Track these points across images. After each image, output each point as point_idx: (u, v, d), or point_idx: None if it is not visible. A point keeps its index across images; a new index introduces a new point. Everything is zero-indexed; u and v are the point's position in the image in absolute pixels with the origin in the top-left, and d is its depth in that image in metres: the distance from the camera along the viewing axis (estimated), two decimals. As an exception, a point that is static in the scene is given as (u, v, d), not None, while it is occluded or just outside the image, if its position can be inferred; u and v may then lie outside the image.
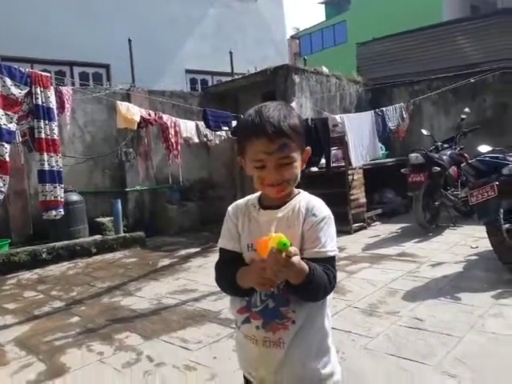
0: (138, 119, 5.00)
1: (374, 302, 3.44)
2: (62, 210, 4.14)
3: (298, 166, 1.16)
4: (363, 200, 6.59)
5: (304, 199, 1.20)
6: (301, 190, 1.25)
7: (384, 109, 7.02)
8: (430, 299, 3.42)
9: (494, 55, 9.18)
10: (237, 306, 1.23)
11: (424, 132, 6.59)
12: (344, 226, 6.07)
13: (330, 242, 1.15)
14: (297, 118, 1.17)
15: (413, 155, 5.70)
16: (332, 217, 1.19)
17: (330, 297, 1.22)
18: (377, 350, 2.64)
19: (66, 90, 4.99)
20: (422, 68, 9.77)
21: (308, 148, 1.21)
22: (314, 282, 1.07)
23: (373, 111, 6.84)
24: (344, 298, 3.61)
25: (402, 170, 5.78)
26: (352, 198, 6.30)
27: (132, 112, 4.91)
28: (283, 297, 1.15)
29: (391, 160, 7.49)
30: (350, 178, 6.31)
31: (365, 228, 6.47)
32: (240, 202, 1.30)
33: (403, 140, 7.68)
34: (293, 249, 1.01)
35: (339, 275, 4.32)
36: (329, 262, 1.13)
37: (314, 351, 1.17)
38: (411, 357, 2.52)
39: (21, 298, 4.38)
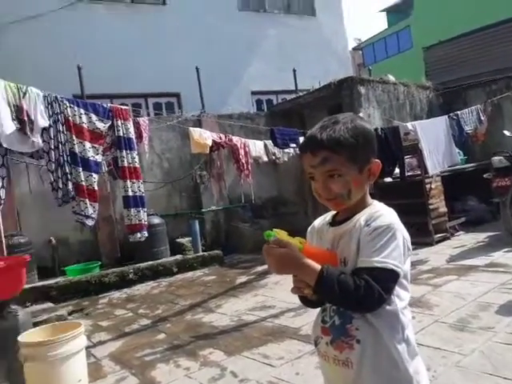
0: (210, 143, 5.23)
1: (465, 317, 3.23)
2: (146, 232, 4.42)
3: (350, 181, 1.13)
4: (444, 209, 6.25)
5: (370, 211, 1.15)
6: (375, 202, 1.21)
7: (459, 112, 6.67)
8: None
9: None
10: (315, 323, 1.24)
11: (507, 133, 6.16)
12: (425, 238, 5.79)
13: (381, 253, 1.05)
14: (349, 132, 1.12)
15: (496, 158, 5.35)
16: (393, 227, 1.08)
17: (408, 318, 1.13)
18: (471, 369, 2.47)
19: (143, 121, 5.35)
20: (497, 66, 9.15)
21: (376, 160, 1.17)
22: (326, 285, 1.03)
23: (446, 116, 6.53)
24: (430, 313, 3.43)
25: (485, 175, 5.44)
26: (431, 207, 6.01)
27: (204, 137, 5.15)
28: (348, 313, 1.12)
29: (471, 165, 7.06)
30: (428, 186, 6.04)
31: (448, 238, 6.11)
32: (318, 220, 1.31)
33: (483, 143, 7.22)
34: (277, 239, 1.06)
35: (422, 289, 4.12)
36: (372, 273, 1.03)
37: (388, 378, 1.09)
38: (511, 376, 2.33)
39: (112, 316, 4.70)
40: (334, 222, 1.22)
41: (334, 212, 1.25)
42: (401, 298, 1.13)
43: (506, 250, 5.00)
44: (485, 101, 7.34)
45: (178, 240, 7.06)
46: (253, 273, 5.88)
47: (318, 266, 1.05)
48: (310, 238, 1.29)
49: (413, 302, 3.73)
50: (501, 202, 5.20)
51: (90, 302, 5.38)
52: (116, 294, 5.67)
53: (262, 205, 8.02)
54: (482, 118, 6.88)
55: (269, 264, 1.09)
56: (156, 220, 6.57)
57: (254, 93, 11.40)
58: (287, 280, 3.99)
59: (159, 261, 6.35)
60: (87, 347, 3.08)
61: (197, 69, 8.77)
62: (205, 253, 6.75)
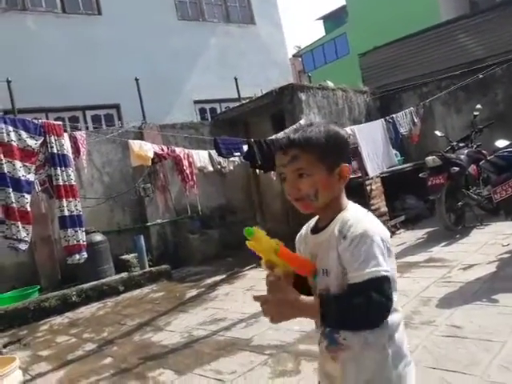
0: (151, 155, 5.09)
1: (408, 314, 3.34)
2: (85, 253, 4.20)
3: (318, 181, 1.14)
4: (384, 209, 6.49)
5: (343, 218, 1.15)
6: (349, 205, 1.21)
7: (394, 115, 6.98)
8: (466, 304, 3.30)
9: (498, 48, 9.05)
10: (315, 329, 1.26)
11: (438, 133, 6.50)
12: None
13: (368, 264, 1.05)
14: (321, 133, 1.16)
15: (429, 158, 5.61)
16: (368, 233, 1.08)
17: (394, 321, 1.13)
18: (416, 364, 2.53)
19: (80, 135, 5.12)
20: (428, 70, 9.70)
21: (344, 165, 1.18)
22: (330, 316, 1.05)
23: (383, 119, 6.81)
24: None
25: (421, 175, 5.70)
26: (373, 207, 6.21)
27: (145, 149, 5.01)
28: None
29: (408, 165, 7.39)
30: (369, 188, 6.25)
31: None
32: (304, 227, 1.33)
33: (418, 144, 7.59)
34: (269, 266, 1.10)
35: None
36: (368, 286, 1.03)
37: (368, 379, 1.12)
38: (454, 368, 2.42)
39: (54, 344, 4.41)
40: (316, 229, 1.23)
41: (316, 218, 1.27)
42: None
43: (443, 244, 5.26)
44: (417, 103, 7.73)
45: (123, 257, 6.79)
46: (202, 285, 5.78)
47: (313, 303, 1.06)
48: (298, 246, 1.31)
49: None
50: (436, 199, 5.46)
51: (29, 331, 5.02)
52: (58, 320, 5.34)
53: (209, 215, 7.93)
54: (416, 120, 7.24)
55: (266, 313, 1.09)
56: (98, 237, 6.29)
57: (196, 102, 11.31)
58: (237, 291, 3.95)
59: (103, 280, 6.06)
60: (24, 382, 2.86)
61: (136, 79, 8.56)
62: (152, 268, 6.54)
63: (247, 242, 1.10)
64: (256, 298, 1.11)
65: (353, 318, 1.05)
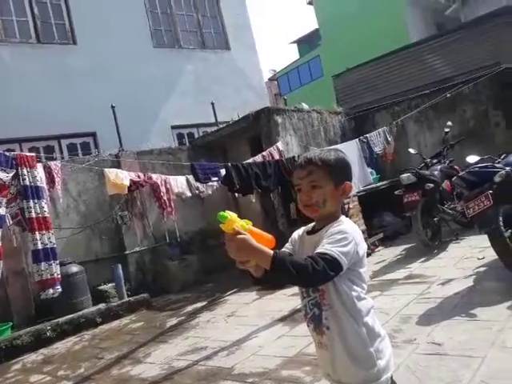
0: (127, 183, 5.03)
1: (389, 332, 3.30)
2: (59, 287, 4.08)
3: (327, 193, 1.45)
4: (363, 227, 6.52)
5: (336, 223, 1.43)
6: (343, 218, 1.49)
7: (368, 135, 7.11)
8: (446, 320, 3.31)
9: (465, 67, 9.38)
10: (303, 313, 1.51)
11: (411, 151, 6.64)
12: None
13: (331, 244, 1.32)
14: (332, 156, 1.48)
15: (404, 176, 5.70)
16: (346, 232, 1.37)
17: (364, 307, 1.41)
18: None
19: (55, 165, 5.03)
20: (399, 89, 9.98)
21: (347, 183, 1.49)
22: (280, 266, 1.23)
23: (357, 139, 6.92)
24: (358, 333, 3.48)
25: (396, 192, 5.77)
26: (351, 226, 6.23)
27: (121, 177, 4.94)
28: (321, 305, 1.42)
29: (384, 183, 7.49)
30: (346, 207, 6.28)
31: (369, 255, 6.35)
32: (299, 230, 1.61)
33: (392, 162, 7.73)
34: (237, 230, 1.24)
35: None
36: (321, 255, 1.29)
37: (352, 356, 1.37)
38: (434, 386, 2.40)
39: (27, 384, 4.22)
40: (312, 231, 1.52)
41: (313, 224, 1.55)
42: (356, 289, 1.41)
43: (421, 260, 5.30)
44: (390, 122, 7.91)
45: (101, 287, 6.61)
46: (183, 313, 5.65)
47: (270, 252, 1.25)
48: (294, 237, 1.60)
49: (341, 324, 3.77)
50: (412, 216, 5.52)
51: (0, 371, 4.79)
52: (31, 357, 5.11)
53: (189, 240, 7.83)
54: (389, 139, 7.39)
55: (229, 250, 1.26)
56: (74, 268, 6.11)
57: (174, 127, 11.32)
58: (218, 317, 3.88)
59: (80, 313, 5.86)
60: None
61: (112, 107, 8.55)
62: (130, 298, 6.38)
63: (221, 225, 1.25)
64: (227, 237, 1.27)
65: (298, 273, 1.24)
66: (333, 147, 6.66)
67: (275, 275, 1.29)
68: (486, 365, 2.52)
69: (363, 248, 1.42)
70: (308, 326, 1.48)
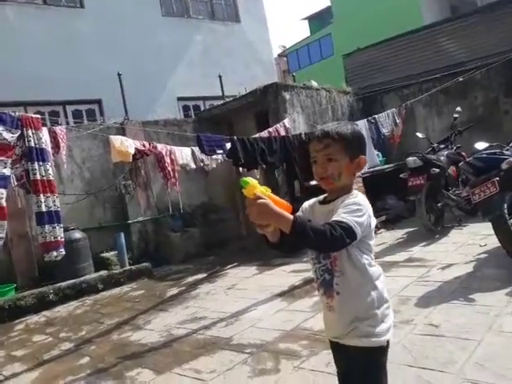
0: (132, 151, 5.00)
1: (387, 312, 3.37)
2: (62, 250, 4.11)
3: (342, 166, 1.48)
4: (366, 208, 6.52)
5: (350, 195, 1.47)
6: (355, 191, 1.52)
7: (376, 116, 7.04)
8: (444, 303, 3.35)
9: (478, 52, 9.20)
10: (314, 279, 1.57)
11: (419, 135, 6.58)
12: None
13: (347, 214, 1.37)
14: (349, 130, 1.50)
15: (410, 159, 5.67)
16: (360, 204, 1.42)
17: (375, 273, 1.49)
18: (394, 362, 2.55)
19: (60, 130, 5.00)
20: (410, 72, 9.82)
21: (362, 157, 1.52)
22: (300, 230, 1.27)
23: (365, 119, 6.86)
24: (356, 311, 3.53)
25: (402, 175, 5.75)
26: (354, 207, 6.24)
27: (126, 145, 4.92)
28: (332, 271, 1.48)
29: (390, 166, 7.47)
30: (350, 187, 6.27)
31: (371, 236, 6.39)
32: (309, 201, 1.64)
33: (399, 145, 7.67)
34: (257, 195, 1.27)
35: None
36: (338, 223, 1.33)
37: (358, 314, 1.45)
38: (431, 366, 2.45)
39: (29, 344, 4.30)
40: (324, 202, 1.56)
41: (325, 195, 1.58)
42: (367, 258, 1.48)
43: (422, 244, 5.33)
44: (399, 105, 7.81)
45: (103, 255, 6.69)
46: (183, 284, 5.73)
47: (290, 216, 1.29)
48: (305, 206, 1.63)
49: (340, 302, 3.83)
50: (416, 200, 5.52)
51: (4, 330, 4.88)
52: (34, 318, 5.22)
53: (191, 213, 7.87)
54: (398, 121, 7.32)
55: (250, 214, 1.29)
56: (77, 235, 6.18)
57: (180, 99, 11.22)
58: (218, 289, 3.93)
59: (82, 278, 5.95)
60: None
61: (119, 75, 8.45)
62: (132, 266, 6.46)
63: (243, 190, 1.29)
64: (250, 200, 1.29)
65: (317, 238, 1.29)
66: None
67: (294, 239, 1.30)
68: (482, 348, 2.57)
69: (374, 222, 1.49)
70: (318, 290, 1.55)
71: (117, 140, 4.88)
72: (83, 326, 4.58)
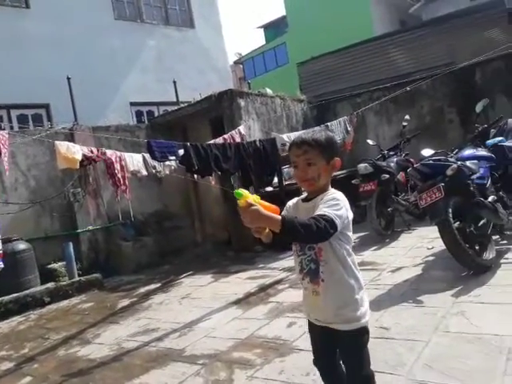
0: (79, 158, 4.79)
1: (340, 317, 3.40)
2: (1, 262, 3.85)
3: (320, 168, 1.68)
4: (320, 214, 6.61)
5: (328, 193, 1.68)
6: (333, 189, 1.73)
7: (328, 123, 7.18)
8: (394, 306, 3.43)
9: (425, 63, 9.69)
10: (297, 270, 1.78)
11: (370, 142, 6.78)
12: (290, 246, 6.04)
13: (328, 208, 1.57)
14: (323, 136, 1.71)
15: (361, 165, 5.82)
16: (338, 199, 1.63)
17: (353, 261, 1.70)
18: (346, 367, 2.58)
19: (2, 135, 4.71)
20: (361, 81, 10.16)
21: (336, 159, 1.72)
22: (289, 227, 1.46)
23: (318, 127, 6.97)
24: (310, 317, 3.54)
25: (353, 181, 5.88)
26: (309, 213, 6.31)
27: (72, 151, 4.70)
28: (317, 260, 1.68)
29: (342, 172, 7.60)
30: (305, 193, 6.34)
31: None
32: (292, 200, 1.86)
33: (351, 152, 7.85)
34: (250, 201, 1.46)
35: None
36: (321, 216, 1.52)
37: (342, 300, 1.66)
38: (381, 369, 2.47)
39: (-36, 365, 3.99)
40: (306, 199, 1.76)
41: (304, 195, 1.80)
42: (346, 248, 1.69)
43: (373, 248, 5.47)
44: (351, 113, 8.02)
45: (50, 266, 6.35)
46: (136, 295, 5.54)
47: (279, 216, 1.48)
48: (290, 205, 1.84)
49: (294, 307, 3.84)
50: (367, 205, 5.67)
51: None
52: (-29, 337, 4.87)
53: (144, 221, 7.67)
54: (349, 129, 7.50)
55: (244, 220, 1.47)
56: (21, 246, 5.82)
57: (133, 104, 10.97)
58: (172, 299, 3.80)
59: (27, 291, 5.61)
60: None
61: (68, 79, 8.13)
62: (81, 278, 6.17)
63: (238, 201, 1.47)
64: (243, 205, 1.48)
65: (305, 231, 1.47)
66: (293, 133, 6.69)
67: (285, 235, 1.50)
68: (430, 348, 2.64)
69: (351, 215, 1.68)
70: (303, 279, 1.74)
71: (63, 146, 4.65)
72: (26, 342, 4.31)
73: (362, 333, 1.73)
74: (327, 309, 1.70)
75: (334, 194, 1.68)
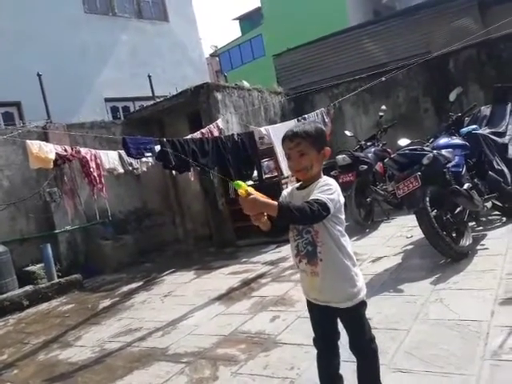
0: (52, 157, 4.66)
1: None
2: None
3: (312, 158, 1.79)
4: (300, 206, 6.64)
5: (321, 180, 1.80)
6: (325, 177, 1.84)
7: (306, 115, 7.18)
8: (375, 296, 3.47)
9: (399, 54, 9.77)
10: (293, 253, 1.91)
11: (347, 133, 6.81)
12: (285, 235, 6.06)
13: (321, 192, 1.70)
14: (313, 128, 1.82)
15: (340, 157, 5.84)
16: (331, 184, 1.76)
17: (346, 241, 1.82)
18: (329, 359, 2.59)
19: (-30, 136, 4.56)
20: (338, 72, 10.18)
21: (326, 148, 1.85)
22: (284, 211, 1.59)
23: (296, 119, 6.96)
24: (293, 310, 3.57)
25: (332, 173, 5.90)
26: (289, 206, 6.32)
27: (45, 150, 4.57)
28: (315, 242, 1.79)
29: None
30: (285, 186, 6.35)
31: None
32: (287, 189, 1.99)
33: (329, 143, 7.89)
34: (248, 190, 1.60)
35: (286, 286, 4.25)
36: (314, 200, 1.65)
37: (340, 278, 1.79)
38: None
39: None
40: (301, 188, 1.87)
41: (299, 184, 1.90)
42: (339, 229, 1.81)
43: (354, 239, 5.50)
44: (328, 104, 8.04)
45: (28, 268, 6.21)
46: (117, 294, 5.46)
47: (275, 202, 1.60)
48: (285, 194, 1.96)
49: (277, 300, 3.86)
50: (346, 196, 5.69)
51: None
52: None
53: (124, 219, 7.56)
54: (327, 120, 7.51)
55: (244, 208, 1.61)
56: (-4, 249, 5.68)
57: (108, 100, 10.75)
58: (154, 298, 3.75)
59: (4, 295, 5.47)
60: None
61: (39, 75, 7.89)
62: (61, 279, 6.05)
63: (239, 191, 1.60)
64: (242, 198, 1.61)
65: (300, 214, 1.60)
66: (271, 126, 6.68)
67: (282, 219, 1.63)
68: (410, 336, 2.68)
69: (342, 199, 1.81)
70: (300, 261, 1.86)
71: (34, 145, 4.52)
72: (5, 348, 4.21)
73: (361, 305, 1.86)
74: (326, 288, 1.81)
75: (327, 180, 1.81)
